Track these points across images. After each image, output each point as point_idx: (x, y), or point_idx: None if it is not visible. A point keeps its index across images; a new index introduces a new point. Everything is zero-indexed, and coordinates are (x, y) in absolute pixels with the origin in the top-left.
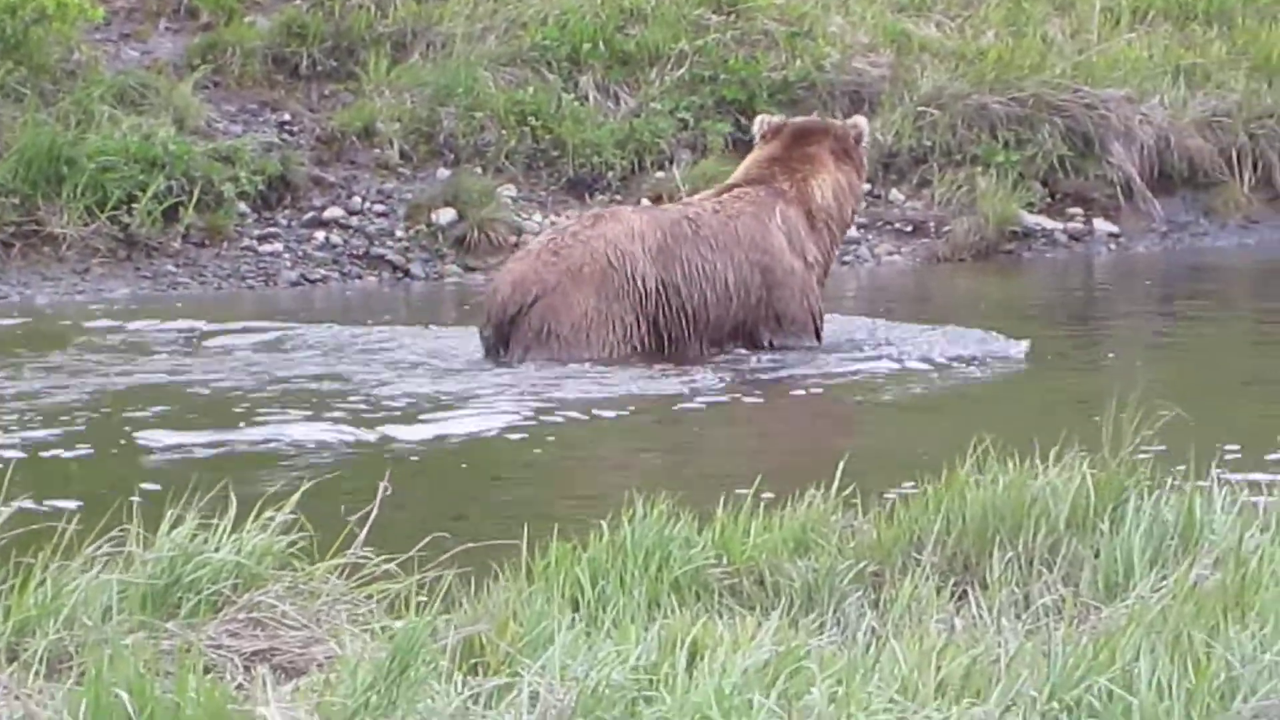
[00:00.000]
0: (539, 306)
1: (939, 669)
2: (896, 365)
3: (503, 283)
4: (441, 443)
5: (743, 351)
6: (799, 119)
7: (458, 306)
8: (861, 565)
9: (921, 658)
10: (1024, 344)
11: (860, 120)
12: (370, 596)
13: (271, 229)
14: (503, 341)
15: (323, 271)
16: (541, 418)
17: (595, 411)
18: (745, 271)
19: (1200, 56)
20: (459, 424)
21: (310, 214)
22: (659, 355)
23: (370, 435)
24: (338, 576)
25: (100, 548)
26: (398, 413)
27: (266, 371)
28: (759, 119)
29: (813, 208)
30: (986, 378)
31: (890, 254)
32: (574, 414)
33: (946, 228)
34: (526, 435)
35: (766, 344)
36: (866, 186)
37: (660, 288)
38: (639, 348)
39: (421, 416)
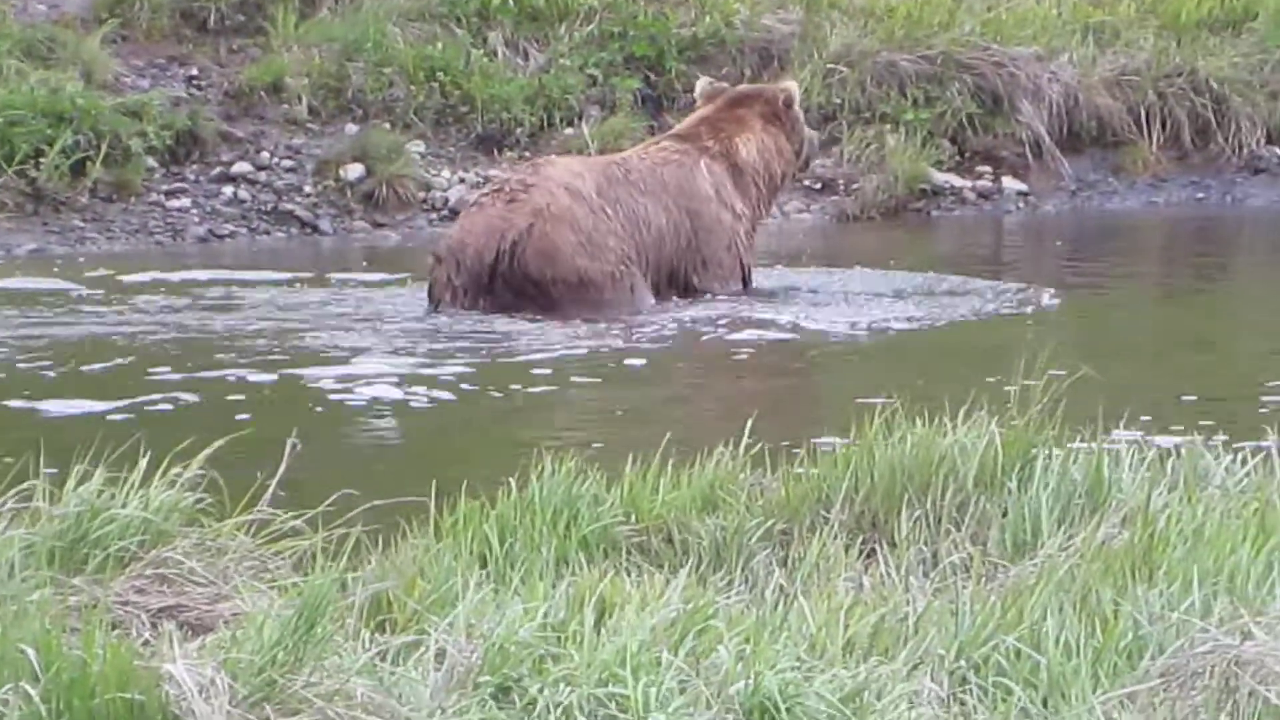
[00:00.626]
0: (529, 251)
1: (847, 627)
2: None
3: (468, 234)
4: (360, 399)
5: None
6: (739, 86)
7: (368, 261)
8: (770, 523)
9: (829, 616)
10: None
11: (790, 84)
12: (278, 553)
13: (179, 184)
14: (480, 290)
15: (230, 227)
16: (466, 374)
17: (529, 367)
18: (675, 215)
19: (1109, 14)
20: (382, 380)
21: (218, 169)
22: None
23: (293, 391)
24: (245, 533)
25: (6, 503)
26: (322, 368)
27: (190, 325)
28: (701, 81)
29: (738, 162)
30: (900, 334)
31: (800, 211)
32: (503, 370)
33: (856, 185)
34: (448, 391)
35: (695, 288)
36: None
37: (614, 220)
38: (628, 267)
39: (347, 371)
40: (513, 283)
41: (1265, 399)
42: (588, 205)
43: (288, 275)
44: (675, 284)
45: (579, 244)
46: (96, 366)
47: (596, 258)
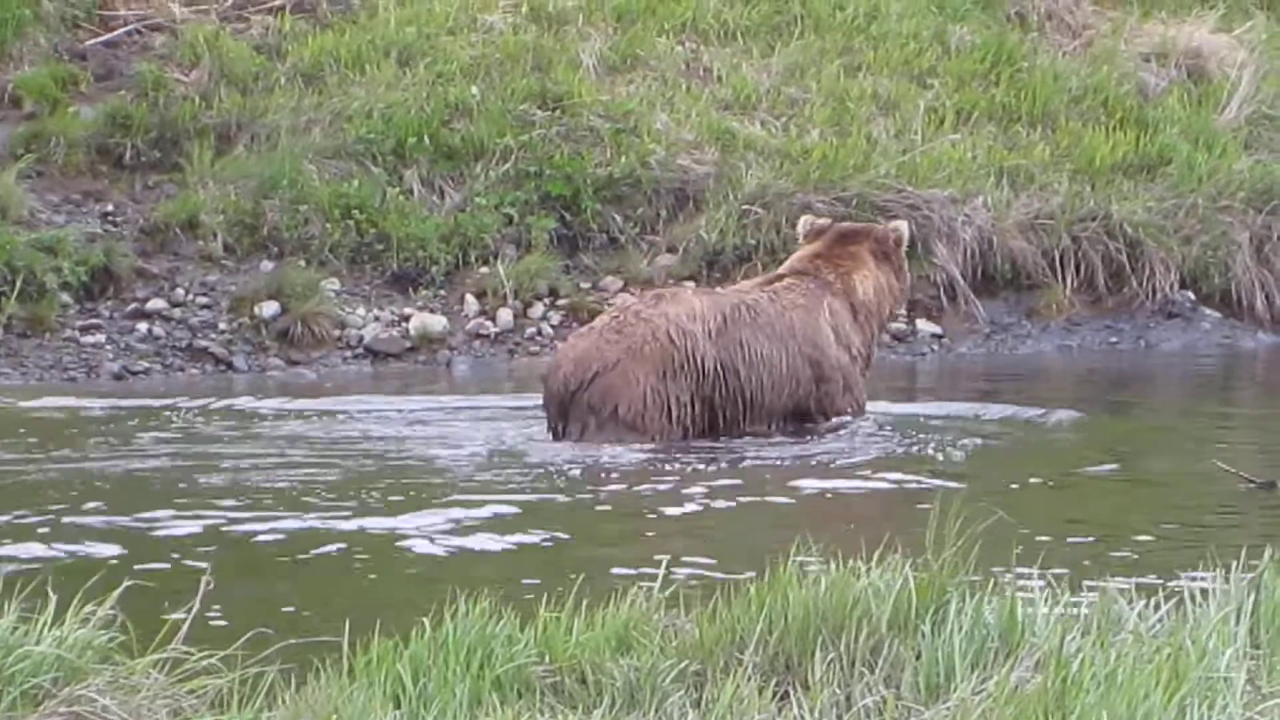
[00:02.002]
0: (598, 384)
1: None
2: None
3: (564, 359)
4: (281, 534)
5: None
6: (844, 223)
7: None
8: (684, 664)
9: None
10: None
11: (901, 224)
12: (192, 692)
13: (94, 320)
14: (563, 417)
15: (145, 363)
16: (402, 510)
17: (474, 507)
18: (797, 362)
19: (1024, 158)
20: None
21: (133, 305)
22: (711, 435)
23: (221, 526)
24: (159, 671)
25: None
26: (266, 503)
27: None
28: (803, 219)
29: (855, 301)
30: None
31: None
32: (439, 506)
33: None
34: (380, 526)
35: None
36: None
37: (719, 369)
38: (689, 429)
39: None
40: (578, 414)
41: (1178, 538)
42: (687, 350)
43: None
44: (787, 421)
45: (652, 389)
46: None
47: (662, 409)
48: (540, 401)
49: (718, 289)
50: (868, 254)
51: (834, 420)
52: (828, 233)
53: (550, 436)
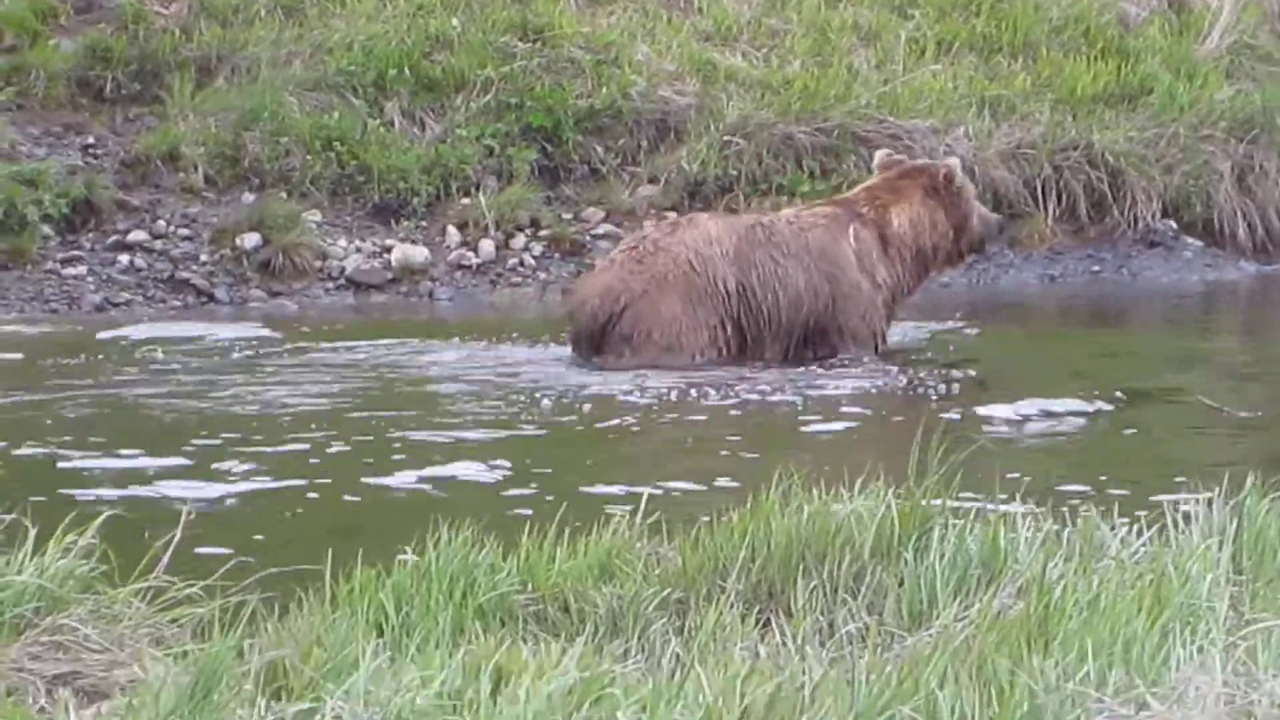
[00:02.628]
0: (629, 314)
1: (744, 696)
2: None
3: (590, 292)
4: (270, 465)
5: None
6: (914, 160)
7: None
8: (666, 592)
9: (726, 685)
10: None
11: (952, 161)
12: (174, 621)
13: (75, 252)
14: (594, 348)
15: (126, 295)
16: (388, 440)
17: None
18: (815, 278)
19: (1005, 88)
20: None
21: (114, 237)
22: (741, 357)
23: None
24: (141, 601)
25: None
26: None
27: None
28: (880, 153)
29: (887, 233)
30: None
31: None
32: (432, 432)
33: None
34: (365, 455)
35: (832, 353)
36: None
37: (739, 290)
38: (723, 350)
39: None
40: (613, 344)
41: (1162, 469)
42: (710, 275)
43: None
44: (813, 345)
45: (680, 315)
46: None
47: (695, 331)
48: (569, 336)
49: (740, 214)
50: (916, 189)
51: (851, 351)
52: (894, 169)
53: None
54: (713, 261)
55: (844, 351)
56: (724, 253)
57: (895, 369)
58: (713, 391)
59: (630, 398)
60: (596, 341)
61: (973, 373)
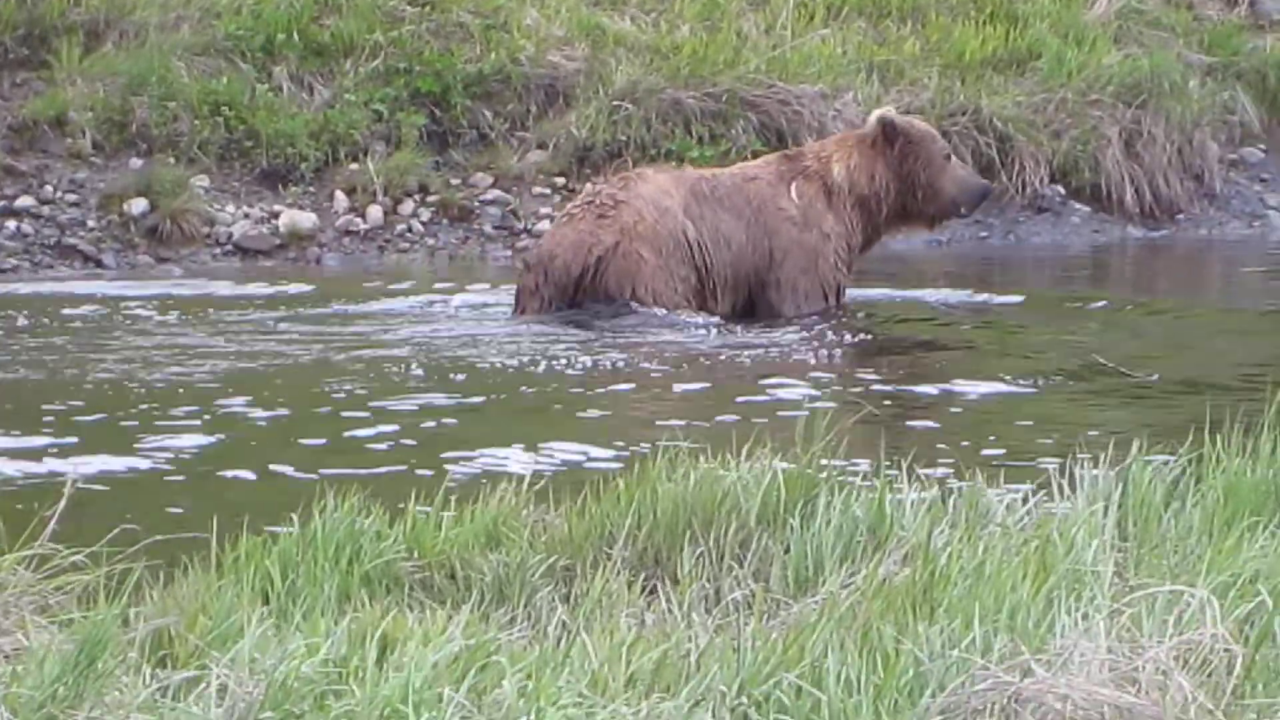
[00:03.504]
0: (612, 270)
1: (629, 663)
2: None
3: (557, 247)
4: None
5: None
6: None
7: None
8: (553, 560)
9: (612, 652)
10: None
11: (883, 111)
12: (59, 589)
13: None
14: (567, 303)
15: (14, 261)
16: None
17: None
18: (754, 233)
19: (894, 53)
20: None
21: (1, 203)
22: (702, 310)
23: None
24: (26, 568)
25: None
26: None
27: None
28: (874, 114)
29: (829, 183)
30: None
31: None
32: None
33: None
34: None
35: (782, 311)
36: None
37: (695, 242)
38: (692, 300)
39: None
40: (594, 297)
41: (1052, 434)
42: (671, 226)
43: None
44: (758, 303)
45: (658, 267)
46: None
47: (670, 284)
48: (523, 288)
49: (685, 169)
50: (861, 142)
51: (797, 305)
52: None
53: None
54: (672, 213)
55: (782, 308)
56: (678, 205)
57: (789, 332)
58: (630, 353)
59: (540, 359)
60: (570, 295)
61: (864, 338)
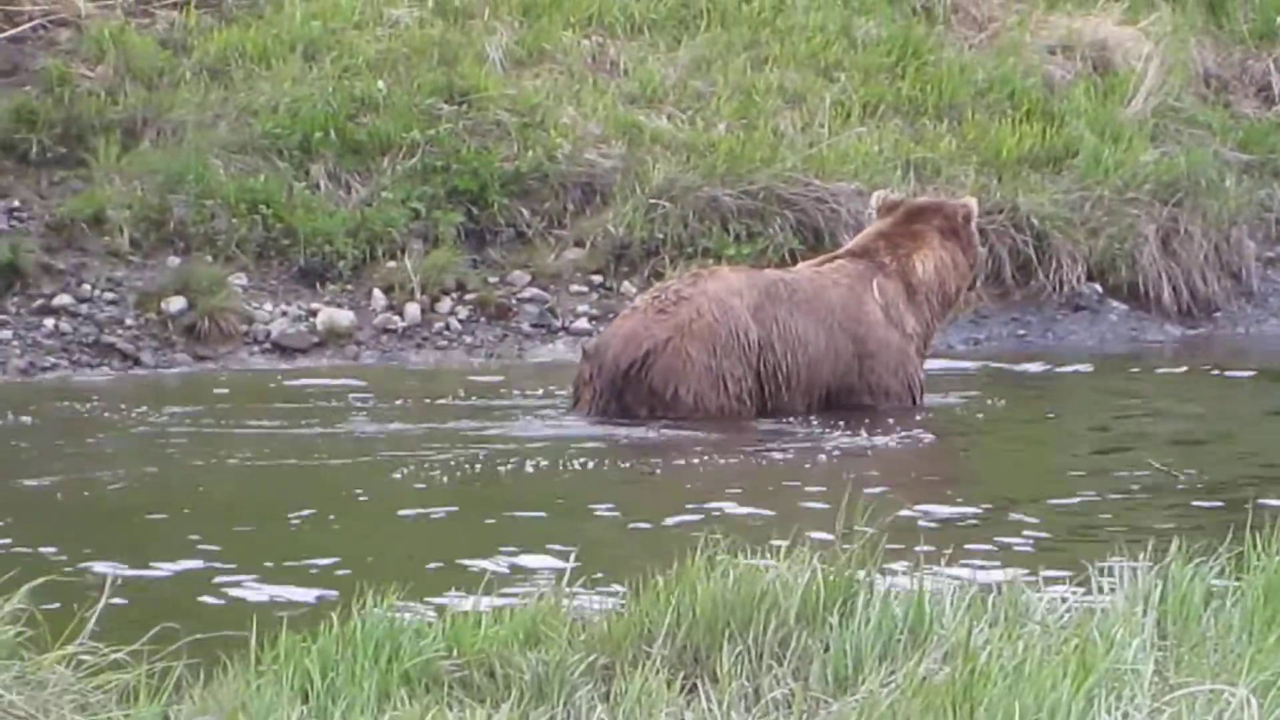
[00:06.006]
0: (658, 366)
1: None
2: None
3: (613, 339)
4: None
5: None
6: (917, 198)
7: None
8: (592, 658)
9: None
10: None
11: (970, 200)
12: (99, 688)
13: (1, 316)
14: (615, 396)
15: (52, 359)
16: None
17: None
18: (837, 338)
19: (930, 151)
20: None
21: (40, 301)
22: (763, 412)
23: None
24: (66, 666)
25: None
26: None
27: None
28: (876, 194)
29: (913, 281)
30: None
31: None
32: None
33: None
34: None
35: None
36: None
37: (759, 343)
38: (748, 402)
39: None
40: (638, 391)
41: (1096, 533)
42: (731, 328)
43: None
44: (838, 403)
45: (706, 367)
46: None
47: (718, 386)
48: (579, 377)
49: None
50: (933, 232)
51: (886, 404)
52: (897, 210)
53: (575, 412)
54: (735, 312)
55: (878, 407)
56: (746, 304)
57: (829, 431)
58: (672, 452)
59: (582, 456)
60: (618, 388)
61: (905, 438)
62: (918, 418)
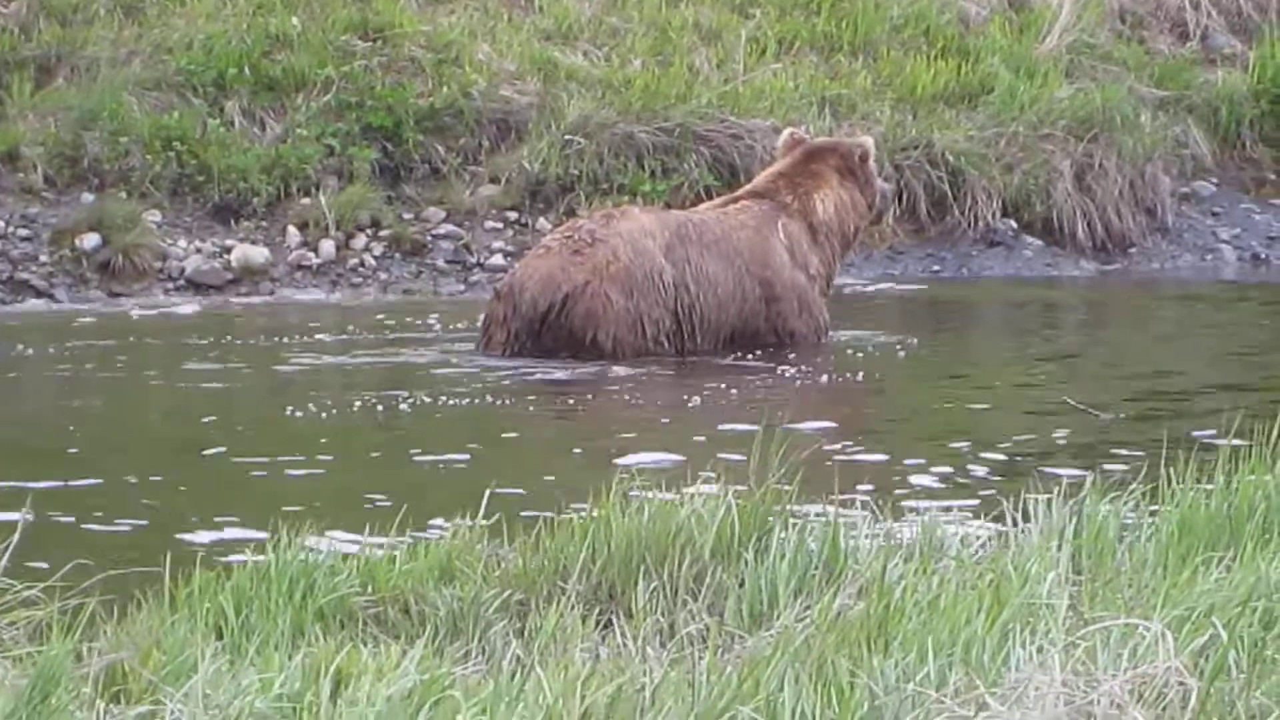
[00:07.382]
0: (577, 310)
1: (584, 698)
2: None
3: (528, 280)
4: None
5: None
6: (817, 139)
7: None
8: (507, 594)
9: (566, 686)
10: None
11: (866, 140)
12: (12, 623)
13: None
14: (532, 338)
15: None
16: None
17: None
18: (745, 282)
19: (846, 87)
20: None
21: None
22: (679, 353)
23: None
24: None
25: None
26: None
27: None
28: (785, 132)
29: (814, 221)
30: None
31: None
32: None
33: None
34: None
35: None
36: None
37: (674, 284)
38: (665, 344)
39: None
40: (557, 334)
41: (998, 464)
42: (647, 270)
43: None
44: (745, 342)
45: (625, 310)
46: None
47: (636, 329)
48: (490, 317)
49: (667, 209)
50: (831, 171)
51: (792, 344)
52: (795, 151)
53: (487, 352)
54: (650, 254)
55: (785, 347)
56: (659, 246)
57: (744, 370)
58: (586, 390)
59: (497, 395)
60: (536, 330)
61: (820, 375)
62: (833, 356)
